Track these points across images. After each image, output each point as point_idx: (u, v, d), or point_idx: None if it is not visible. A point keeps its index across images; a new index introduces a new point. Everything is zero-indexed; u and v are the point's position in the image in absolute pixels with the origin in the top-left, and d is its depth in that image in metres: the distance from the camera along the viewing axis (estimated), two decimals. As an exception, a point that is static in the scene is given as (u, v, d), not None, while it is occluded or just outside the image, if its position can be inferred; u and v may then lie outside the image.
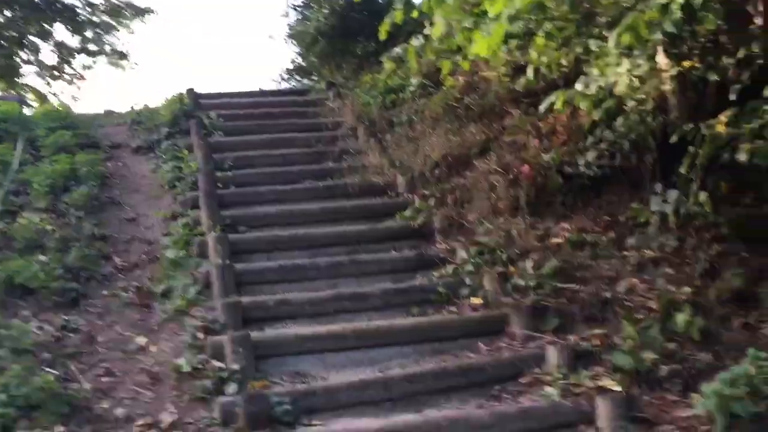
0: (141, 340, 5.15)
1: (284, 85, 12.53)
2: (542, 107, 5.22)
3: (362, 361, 4.80)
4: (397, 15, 5.93)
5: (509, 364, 4.66)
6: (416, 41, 5.78)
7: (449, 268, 5.80)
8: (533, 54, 5.97)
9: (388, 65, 6.14)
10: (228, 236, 6.10)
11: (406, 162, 7.58)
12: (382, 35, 6.06)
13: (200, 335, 4.91)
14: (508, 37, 5.44)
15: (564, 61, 6.01)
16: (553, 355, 4.48)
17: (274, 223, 6.66)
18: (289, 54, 12.56)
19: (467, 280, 5.52)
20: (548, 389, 4.26)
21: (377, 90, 9.24)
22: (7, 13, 16.78)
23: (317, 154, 8.19)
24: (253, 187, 7.38)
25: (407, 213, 6.72)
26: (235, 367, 4.45)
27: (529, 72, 6.09)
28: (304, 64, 12.38)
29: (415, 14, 6.35)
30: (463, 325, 5.11)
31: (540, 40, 5.67)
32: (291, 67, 12.57)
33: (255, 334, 4.81)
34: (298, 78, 12.55)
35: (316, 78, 11.74)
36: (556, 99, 4.93)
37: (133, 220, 6.99)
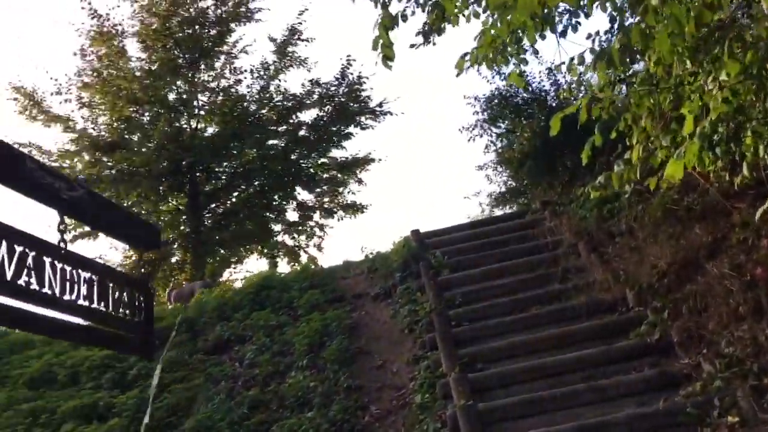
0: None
1: (499, 212, 12.98)
2: (758, 214, 5.04)
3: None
4: (596, 139, 6.14)
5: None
6: (617, 167, 5.91)
7: (696, 386, 5.57)
8: (745, 150, 5.80)
9: (594, 194, 6.30)
10: (467, 375, 6.45)
11: (632, 274, 7.49)
12: (584, 160, 6.29)
13: (454, 480, 5.21)
14: (714, 144, 5.41)
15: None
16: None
17: (507, 356, 6.90)
18: (499, 179, 12.99)
19: (716, 399, 5.26)
20: None
21: (591, 203, 9.29)
22: (256, 184, 19.52)
23: (540, 278, 8.37)
24: (483, 321, 7.70)
25: (642, 329, 6.60)
26: None
27: (744, 169, 5.89)
28: (515, 186, 12.81)
29: (613, 135, 6.54)
30: (721, 450, 4.87)
31: (748, 139, 5.55)
32: (503, 190, 13.05)
33: (505, 476, 5.01)
34: (511, 199, 12.96)
35: (528, 198, 12.07)
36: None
37: (380, 367, 7.61)
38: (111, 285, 3.01)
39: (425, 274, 8.95)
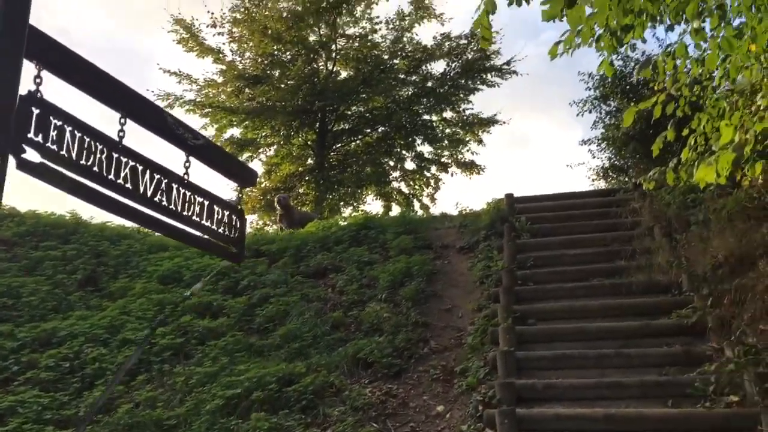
0: (440, 408, 6.66)
1: (592, 186, 13.43)
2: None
3: (610, 443, 5.61)
4: (669, 134, 6.70)
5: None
6: (671, 163, 6.48)
7: (712, 366, 6.20)
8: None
9: (647, 185, 6.83)
10: (515, 327, 7.36)
11: (691, 261, 8.00)
12: (654, 152, 6.86)
13: (480, 408, 6.24)
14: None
15: None
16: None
17: (557, 317, 7.73)
18: (603, 155, 13.38)
19: (723, 379, 5.89)
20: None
21: (677, 191, 9.69)
22: (380, 130, 20.73)
23: (610, 254, 9.00)
24: (545, 284, 8.52)
25: (684, 311, 7.19)
26: (502, 436, 5.66)
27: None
28: (617, 163, 13.19)
29: (684, 132, 7.04)
30: (710, 420, 5.57)
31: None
32: (606, 165, 13.45)
33: (521, 411, 5.97)
34: (613, 176, 13.35)
35: (630, 176, 12.46)
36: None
37: (448, 311, 8.64)
38: (216, 208, 4.21)
39: (507, 235, 9.80)
